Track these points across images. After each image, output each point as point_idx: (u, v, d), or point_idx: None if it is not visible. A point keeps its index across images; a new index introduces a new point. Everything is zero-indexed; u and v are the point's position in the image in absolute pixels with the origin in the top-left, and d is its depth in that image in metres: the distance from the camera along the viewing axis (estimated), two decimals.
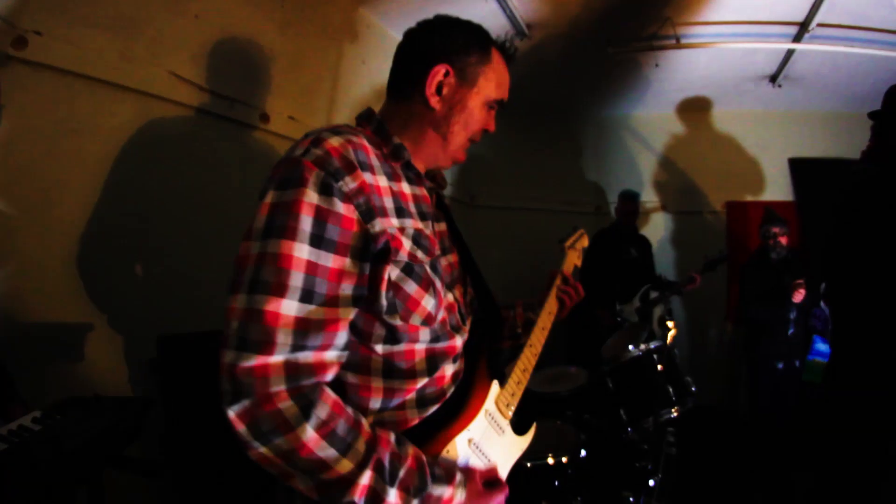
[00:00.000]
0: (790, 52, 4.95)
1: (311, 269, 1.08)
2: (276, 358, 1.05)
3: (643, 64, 5.31)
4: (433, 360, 1.30)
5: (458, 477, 1.23)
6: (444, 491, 1.19)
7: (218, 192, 3.06)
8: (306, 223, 1.09)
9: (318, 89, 3.85)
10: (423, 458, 1.20)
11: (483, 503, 1.27)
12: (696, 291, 5.79)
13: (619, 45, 4.75)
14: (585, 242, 2.14)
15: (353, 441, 1.10)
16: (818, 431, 2.95)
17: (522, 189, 6.91)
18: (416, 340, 1.26)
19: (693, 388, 3.19)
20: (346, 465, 1.07)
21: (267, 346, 1.04)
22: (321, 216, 1.10)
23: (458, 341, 1.37)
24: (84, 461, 1.57)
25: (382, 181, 1.24)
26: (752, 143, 6.67)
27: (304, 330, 1.08)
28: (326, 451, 1.06)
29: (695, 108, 6.70)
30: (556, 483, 2.74)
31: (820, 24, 4.44)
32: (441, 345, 1.32)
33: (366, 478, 1.08)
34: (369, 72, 4.36)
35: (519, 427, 1.54)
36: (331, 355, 1.13)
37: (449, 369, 1.34)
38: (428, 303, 1.26)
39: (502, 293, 1.73)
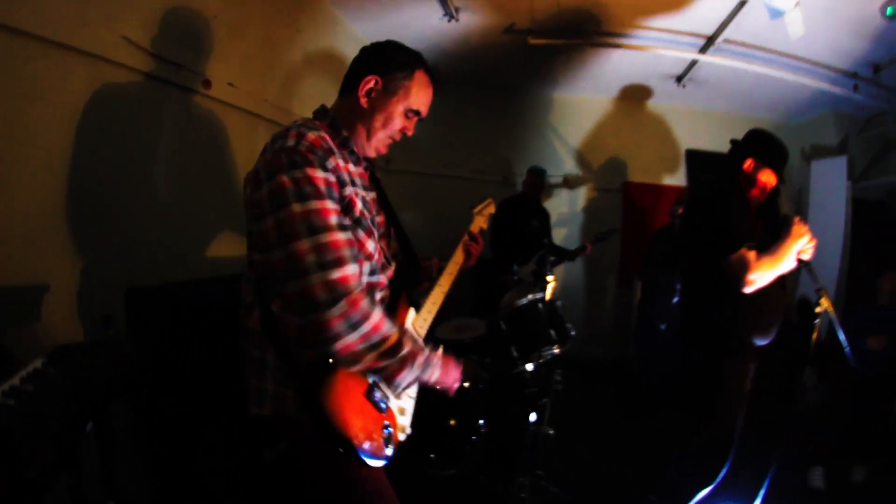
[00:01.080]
0: (695, 61, 5.33)
1: (337, 213, 1.58)
2: (351, 269, 1.54)
3: (562, 52, 5.57)
4: (371, 290, 1.78)
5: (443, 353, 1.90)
6: (428, 353, 1.79)
7: (165, 156, 3.14)
8: (323, 188, 1.56)
9: (256, 56, 3.88)
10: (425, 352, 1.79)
11: (452, 369, 1.93)
12: (593, 260, 6.61)
13: (539, 35, 4.97)
14: (492, 210, 2.62)
15: (394, 320, 1.69)
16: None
17: (435, 156, 7.16)
18: (363, 272, 1.74)
19: (572, 333, 3.64)
20: (395, 333, 1.63)
21: (343, 261, 1.53)
22: (327, 183, 1.59)
23: (384, 278, 1.88)
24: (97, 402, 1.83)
25: (341, 162, 1.70)
26: (653, 133, 7.16)
27: (352, 249, 1.58)
28: (386, 325, 1.60)
29: (603, 96, 7.11)
30: (462, 405, 3.36)
31: (726, 40, 4.81)
32: (375, 279, 1.82)
33: (407, 339, 1.67)
34: (302, 40, 4.42)
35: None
36: (355, 255, 1.61)
37: (378, 296, 1.84)
38: (369, 245, 1.75)
39: (417, 249, 2.20)
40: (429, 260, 2.34)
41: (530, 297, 3.67)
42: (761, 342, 2.89)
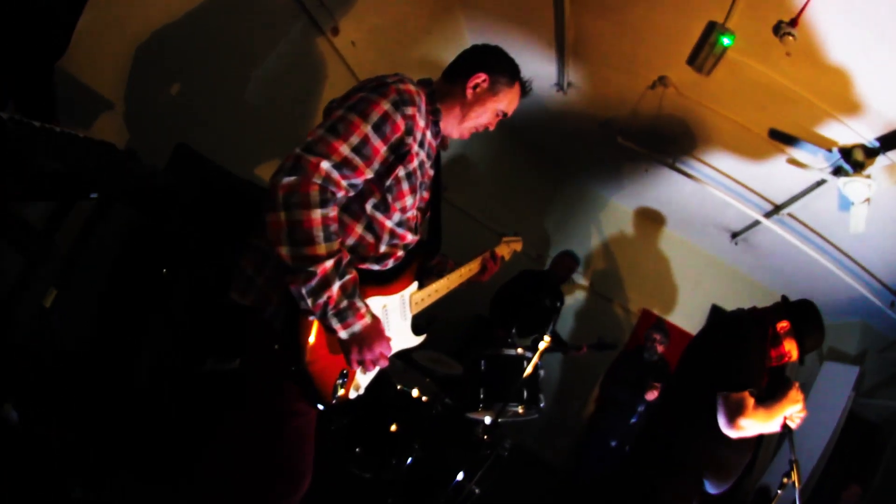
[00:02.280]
0: (757, 222, 5.48)
1: (366, 139, 1.71)
2: (325, 164, 1.62)
3: (637, 163, 5.79)
4: (392, 238, 1.92)
5: (368, 311, 1.76)
6: (362, 305, 1.73)
7: (268, 67, 3.36)
8: (375, 116, 1.72)
9: (384, 33, 4.12)
10: (357, 280, 1.73)
11: (379, 337, 1.79)
12: (577, 364, 6.57)
13: (628, 138, 5.18)
14: (518, 247, 2.76)
15: (334, 240, 1.63)
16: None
17: (487, 205, 7.27)
18: (390, 217, 1.88)
19: (542, 404, 3.70)
20: (322, 249, 1.60)
21: (324, 156, 1.62)
22: (385, 117, 1.74)
23: (410, 237, 1.99)
24: None
25: (422, 122, 1.88)
26: (689, 274, 7.28)
27: (345, 162, 1.67)
28: (318, 232, 1.59)
29: (659, 221, 7.26)
30: (411, 418, 3.33)
31: (790, 214, 5.01)
32: (400, 230, 1.93)
33: (329, 263, 1.61)
34: (427, 42, 4.68)
35: (417, 330, 2.13)
36: (349, 185, 1.71)
37: (398, 251, 1.96)
38: (408, 200, 1.91)
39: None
40: (446, 259, 2.45)
41: (519, 351, 3.75)
42: (711, 489, 2.83)
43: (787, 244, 5.33)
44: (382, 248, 1.91)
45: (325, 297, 1.63)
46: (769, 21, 3.21)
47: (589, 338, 6.45)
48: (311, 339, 1.69)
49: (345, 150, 1.67)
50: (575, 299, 7.39)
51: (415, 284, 2.10)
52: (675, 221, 7.03)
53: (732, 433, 2.61)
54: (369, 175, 1.76)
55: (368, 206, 1.84)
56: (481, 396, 3.60)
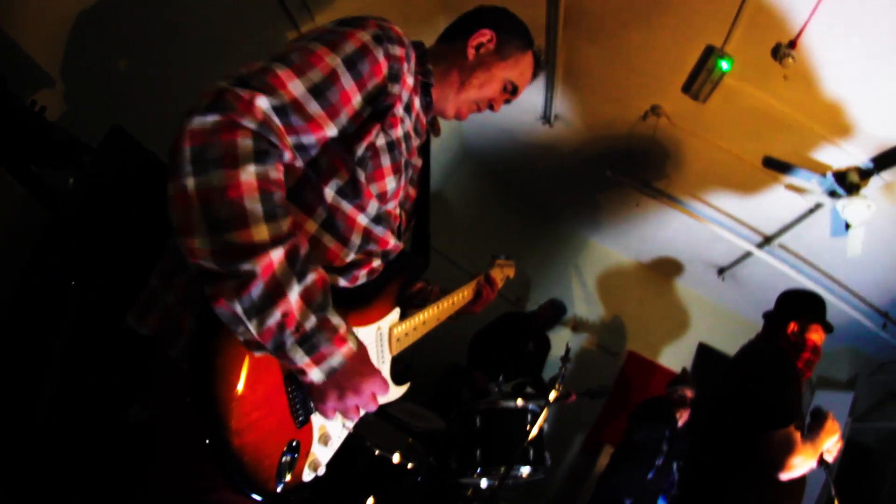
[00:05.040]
0: (747, 255, 5.51)
1: (333, 77, 1.17)
2: (263, 102, 1.06)
3: (627, 198, 5.69)
4: (366, 240, 1.35)
5: (348, 330, 1.16)
6: (340, 323, 1.12)
7: (234, 60, 3.04)
8: (349, 47, 1.20)
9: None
10: (329, 283, 1.13)
11: (368, 370, 1.19)
12: (567, 415, 6.30)
13: (617, 171, 5.16)
14: (511, 273, 2.38)
15: (280, 216, 1.03)
16: None
17: (465, 247, 6.96)
18: (363, 209, 1.32)
19: (549, 463, 3.32)
20: (262, 232, 0.99)
21: (262, 90, 1.07)
22: (363, 51, 1.21)
23: (391, 241, 1.43)
24: None
25: (410, 79, 1.36)
26: (675, 314, 7.25)
27: (295, 108, 1.12)
28: (254, 205, 0.99)
29: (644, 262, 7.29)
30: (388, 484, 2.78)
31: (781, 245, 5.05)
32: (378, 230, 1.37)
33: (277, 254, 1.00)
34: (408, 35, 4.56)
35: (397, 378, 1.53)
36: (296, 143, 1.17)
37: (374, 261, 1.39)
38: (390, 183, 1.35)
39: None
40: (429, 283, 1.99)
41: (520, 403, 3.37)
42: None
43: (776, 275, 5.32)
44: (351, 256, 1.34)
45: (277, 316, 1.01)
46: (768, 44, 3.25)
47: (575, 384, 6.24)
48: (240, 389, 1.06)
49: (296, 87, 1.12)
50: (559, 343, 7.21)
51: (396, 312, 1.52)
52: (659, 261, 7.03)
53: (784, 475, 2.34)
54: (331, 133, 1.21)
55: (329, 192, 1.27)
56: (478, 458, 3.17)
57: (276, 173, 1.05)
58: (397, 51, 1.28)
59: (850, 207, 3.82)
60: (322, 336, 1.07)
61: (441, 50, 1.61)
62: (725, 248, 5.62)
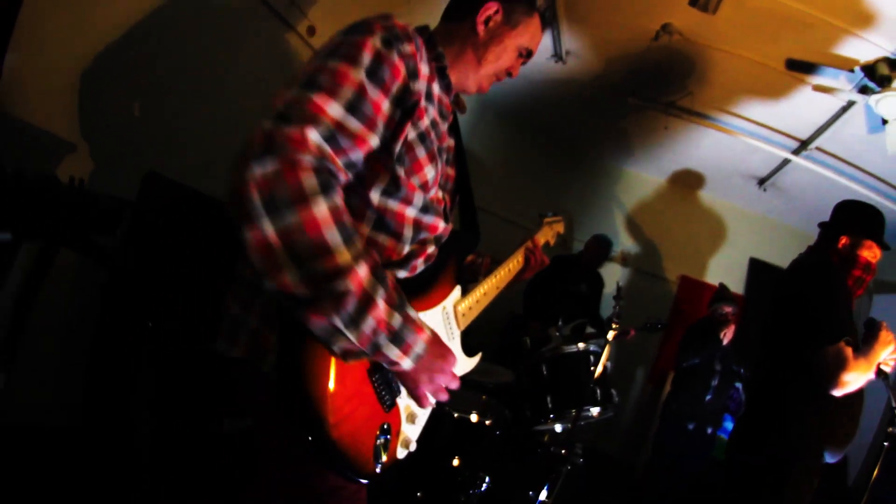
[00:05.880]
0: (784, 162, 5.33)
1: (362, 90, 1.21)
2: (314, 135, 1.11)
3: (654, 122, 5.61)
4: (417, 230, 1.43)
5: (419, 319, 1.28)
6: (415, 315, 1.25)
7: (238, 74, 3.15)
8: (366, 57, 1.23)
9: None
10: (396, 282, 1.23)
11: (445, 351, 1.32)
12: (628, 350, 6.27)
13: (639, 97, 5.04)
14: (561, 229, 2.39)
15: (356, 235, 1.12)
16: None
17: (503, 197, 7.12)
18: (409, 202, 1.38)
19: (616, 399, 3.39)
20: (345, 255, 1.07)
21: (309, 121, 1.12)
22: (380, 58, 1.25)
23: (441, 226, 1.51)
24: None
25: (425, 69, 1.39)
26: (722, 232, 7.10)
27: (339, 131, 1.17)
28: (333, 234, 1.07)
29: (682, 183, 7.10)
30: (475, 446, 2.92)
31: (818, 148, 4.85)
32: (427, 218, 1.45)
33: (363, 270, 1.10)
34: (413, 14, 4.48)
35: (469, 350, 1.67)
36: (346, 163, 1.22)
37: (428, 247, 1.48)
38: (429, 172, 1.42)
39: None
40: (481, 257, 2.03)
41: (582, 346, 3.41)
42: (831, 459, 2.53)
43: (818, 179, 5.17)
44: (407, 248, 1.42)
45: (371, 323, 1.12)
46: None
47: (632, 318, 6.28)
48: (331, 387, 1.18)
49: (334, 109, 1.17)
50: (609, 280, 7.18)
51: (457, 290, 1.62)
52: (697, 180, 6.86)
53: (838, 391, 2.34)
54: (374, 143, 1.26)
55: (375, 196, 1.34)
56: (549, 405, 3.26)
57: (340, 199, 1.12)
58: (408, 48, 1.31)
59: (883, 102, 3.63)
60: (407, 329, 1.20)
61: (449, 29, 1.64)
62: (761, 158, 5.45)
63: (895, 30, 3.43)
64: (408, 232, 1.40)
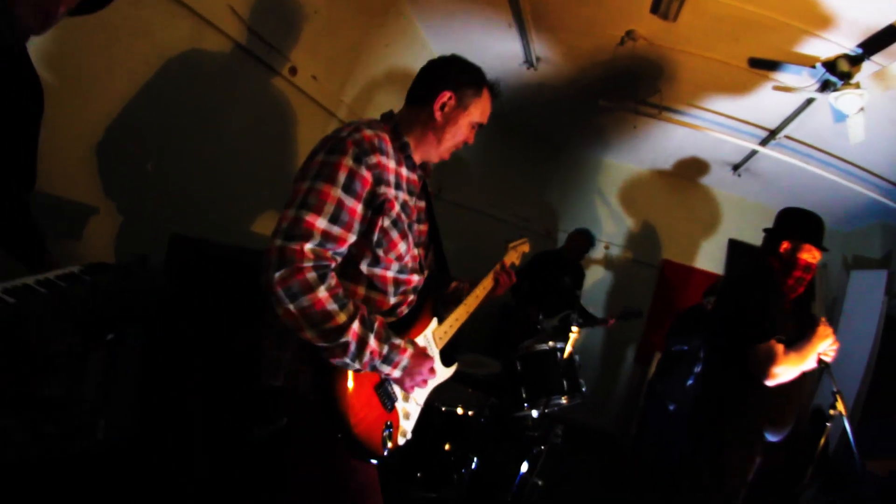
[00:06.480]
0: (755, 151, 5.42)
1: (340, 204, 1.69)
2: (309, 246, 1.63)
3: (625, 122, 5.72)
4: (398, 286, 1.94)
5: (405, 341, 1.86)
6: (399, 341, 1.82)
7: (236, 126, 3.36)
8: (342, 177, 1.70)
9: (343, 57, 4.11)
10: (384, 323, 1.82)
11: (424, 358, 1.90)
12: (616, 333, 6.66)
13: (608, 100, 5.13)
14: (526, 248, 2.80)
15: (347, 303, 1.68)
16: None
17: (485, 194, 7.37)
18: (388, 269, 1.89)
19: (584, 389, 3.72)
20: (342, 317, 1.65)
21: (305, 238, 1.63)
22: (352, 175, 1.71)
23: (416, 279, 2.01)
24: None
25: (391, 164, 1.85)
26: (699, 215, 7.23)
27: (326, 237, 1.67)
28: (332, 306, 1.64)
29: (660, 170, 7.22)
30: (462, 433, 3.37)
31: (787, 136, 4.94)
32: (403, 276, 1.95)
33: (356, 325, 1.68)
34: (388, 54, 4.63)
35: (446, 361, 2.16)
36: (336, 254, 1.72)
37: (409, 297, 2.00)
38: (401, 247, 1.90)
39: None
40: (462, 282, 2.44)
41: (550, 344, 3.76)
42: (772, 438, 2.88)
43: (789, 166, 5.27)
44: (392, 301, 1.94)
45: (367, 355, 1.71)
46: None
47: (615, 306, 6.72)
48: (347, 400, 1.77)
49: (322, 223, 1.66)
50: (595, 268, 7.39)
51: (434, 321, 2.12)
52: (675, 167, 6.97)
53: (770, 382, 2.67)
54: (352, 239, 1.76)
55: (364, 266, 1.86)
56: (524, 395, 3.64)
57: (334, 280, 1.68)
58: (373, 159, 1.76)
59: (842, 98, 3.73)
60: (393, 353, 1.79)
61: (412, 114, 2.02)
62: (733, 147, 5.54)
63: (853, 29, 3.50)
64: (391, 288, 1.92)
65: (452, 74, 2.02)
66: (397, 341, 1.81)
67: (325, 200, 1.67)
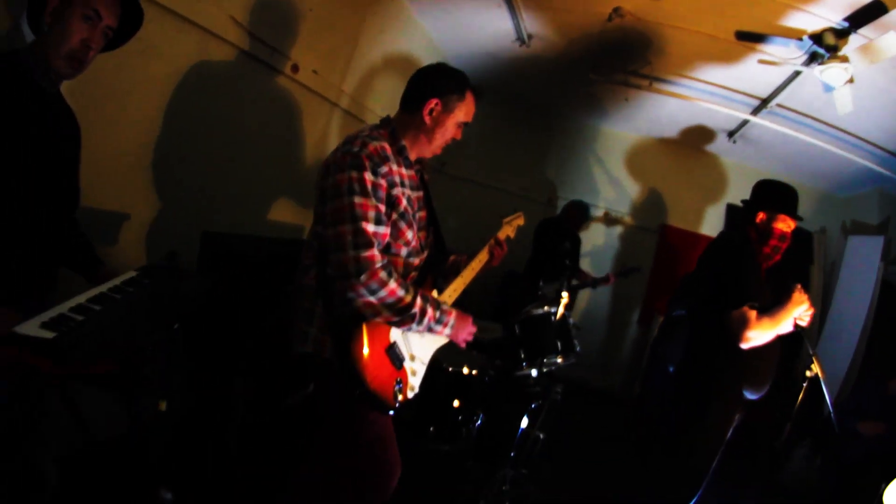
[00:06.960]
0: (747, 120, 5.50)
1: (376, 209, 2.05)
2: (375, 251, 2.01)
3: (618, 93, 5.80)
4: (407, 268, 2.28)
5: (450, 307, 2.34)
6: (447, 307, 2.30)
7: (248, 126, 3.57)
8: (370, 188, 2.03)
9: (341, 50, 4.25)
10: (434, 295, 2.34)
11: (465, 318, 2.37)
12: (622, 293, 7.04)
13: (599, 73, 5.20)
14: (521, 222, 2.99)
15: (407, 285, 2.11)
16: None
17: (486, 167, 7.53)
18: (398, 255, 2.22)
19: (578, 349, 3.93)
20: (409, 297, 2.08)
21: (371, 244, 2.01)
22: (375, 186, 2.06)
23: (417, 261, 2.34)
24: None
25: (395, 167, 2.18)
26: (698, 181, 7.28)
27: (377, 237, 2.04)
28: (400, 291, 2.06)
29: (657, 137, 7.26)
30: (469, 391, 3.71)
31: (779, 105, 4.99)
32: (411, 259, 2.29)
33: (419, 300, 2.12)
34: (384, 41, 4.73)
35: None
36: (382, 247, 2.09)
37: (413, 273, 2.32)
38: (409, 234, 2.23)
39: (450, 245, 2.64)
40: (460, 255, 2.74)
41: (545, 308, 3.98)
42: (751, 395, 3.09)
43: (783, 134, 5.33)
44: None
45: (426, 320, 2.16)
46: None
47: (617, 266, 6.91)
48: (362, 361, 2.06)
49: (371, 227, 2.02)
50: (595, 233, 7.51)
51: (434, 293, 2.42)
52: (671, 134, 7.00)
53: (744, 345, 2.86)
54: (387, 233, 2.14)
55: (384, 252, 2.16)
56: (522, 356, 3.88)
57: (396, 272, 2.09)
58: (384, 168, 2.10)
59: (828, 71, 3.79)
60: (444, 315, 2.25)
61: (405, 119, 2.33)
62: (726, 115, 5.60)
63: (838, 3, 3.53)
64: (401, 269, 2.24)
65: (438, 82, 2.31)
66: (445, 307, 2.28)
67: (367, 210, 2.02)
